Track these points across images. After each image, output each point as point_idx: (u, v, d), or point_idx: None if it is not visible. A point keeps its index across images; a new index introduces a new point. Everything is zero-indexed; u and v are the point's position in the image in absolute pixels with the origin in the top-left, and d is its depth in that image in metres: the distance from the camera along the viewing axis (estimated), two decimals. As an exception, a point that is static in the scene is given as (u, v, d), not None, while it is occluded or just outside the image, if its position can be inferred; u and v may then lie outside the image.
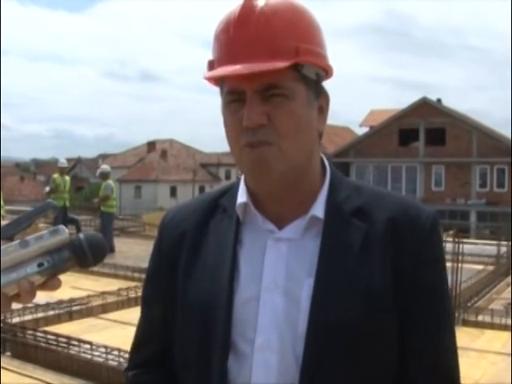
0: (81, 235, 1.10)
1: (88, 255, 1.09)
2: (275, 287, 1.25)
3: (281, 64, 1.16)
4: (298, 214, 1.29)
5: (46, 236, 1.07)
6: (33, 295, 1.08)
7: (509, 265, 13.02)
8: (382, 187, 1.43)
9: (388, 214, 1.28)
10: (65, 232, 1.08)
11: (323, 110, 1.29)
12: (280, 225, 1.29)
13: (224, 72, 1.20)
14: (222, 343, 1.25)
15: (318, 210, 1.28)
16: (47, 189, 16.54)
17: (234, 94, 1.23)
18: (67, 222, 15.30)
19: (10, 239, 1.07)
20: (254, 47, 1.19)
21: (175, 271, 1.34)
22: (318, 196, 1.30)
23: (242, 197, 1.32)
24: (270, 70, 1.16)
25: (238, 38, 1.21)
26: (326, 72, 1.30)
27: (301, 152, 1.24)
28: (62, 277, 1.10)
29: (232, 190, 1.36)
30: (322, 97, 1.28)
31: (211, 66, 1.25)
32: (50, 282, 1.09)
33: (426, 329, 1.27)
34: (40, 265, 1.06)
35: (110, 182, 14.67)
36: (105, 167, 15.20)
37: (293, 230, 1.28)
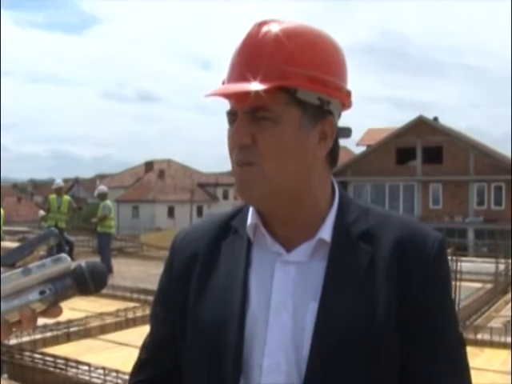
0: (82, 263, 1.11)
1: (89, 283, 1.10)
2: (283, 309, 1.26)
3: (257, 86, 1.18)
4: (306, 237, 1.29)
5: (48, 264, 1.08)
6: (34, 322, 1.09)
7: (507, 283, 13.01)
8: (391, 210, 1.43)
9: (395, 237, 1.28)
10: (67, 260, 1.10)
11: (326, 135, 1.27)
12: (288, 246, 1.30)
13: (212, 91, 1.23)
14: (234, 365, 1.25)
15: (326, 233, 1.28)
16: (41, 212, 16.53)
17: (232, 115, 1.25)
18: (64, 243, 15.28)
19: (12, 266, 1.08)
20: (248, 71, 1.21)
21: (186, 292, 1.35)
22: (326, 219, 1.30)
23: (252, 218, 1.33)
24: (243, 91, 1.19)
25: (237, 61, 1.24)
26: (342, 100, 1.29)
27: (285, 175, 1.24)
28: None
29: (243, 212, 1.37)
30: (325, 122, 1.26)
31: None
32: (52, 310, 1.10)
33: (428, 352, 1.26)
34: (42, 292, 1.07)
35: (108, 202, 14.62)
36: (102, 188, 15.19)
37: (301, 252, 1.29)
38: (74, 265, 1.10)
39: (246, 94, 1.19)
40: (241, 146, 1.23)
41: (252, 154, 1.22)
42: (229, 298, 1.28)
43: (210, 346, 1.28)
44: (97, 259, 10.31)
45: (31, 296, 1.07)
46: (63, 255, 1.10)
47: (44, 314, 1.09)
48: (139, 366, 1.46)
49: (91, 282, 1.10)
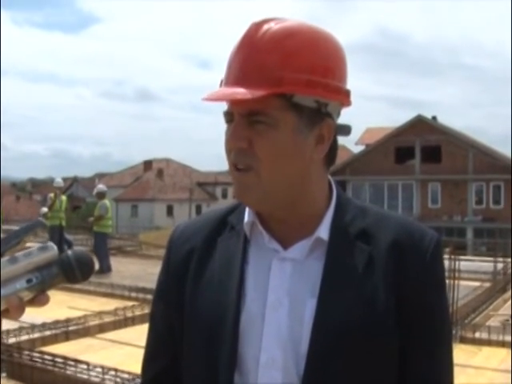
0: (69, 252, 1.12)
1: (76, 271, 1.10)
2: (279, 306, 1.26)
3: (256, 93, 1.17)
4: (303, 235, 1.30)
5: (34, 252, 1.09)
6: (22, 311, 1.09)
7: (505, 281, 13.02)
8: (386, 209, 1.43)
9: (392, 236, 1.29)
10: (53, 248, 1.10)
11: (323, 138, 1.26)
12: (286, 244, 1.30)
13: (207, 95, 1.22)
14: (228, 360, 1.26)
15: (323, 231, 1.29)
16: (44, 209, 16.51)
17: (228, 115, 1.26)
18: (63, 242, 15.30)
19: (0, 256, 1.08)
20: (244, 73, 1.21)
21: (183, 287, 1.35)
22: (324, 218, 1.31)
23: (249, 215, 1.33)
24: (238, 98, 1.19)
25: (234, 62, 1.24)
26: (340, 100, 1.28)
27: (282, 179, 1.24)
28: (59, 297, 1.13)
29: (241, 208, 1.37)
30: (323, 125, 1.26)
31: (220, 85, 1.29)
32: (39, 298, 1.10)
33: (425, 349, 1.28)
34: (29, 281, 1.08)
35: (106, 201, 14.60)
36: (101, 187, 15.15)
37: (298, 250, 1.29)
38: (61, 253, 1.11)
39: (241, 100, 1.19)
40: (237, 149, 1.23)
41: (248, 157, 1.22)
42: (224, 294, 1.29)
43: (206, 341, 1.29)
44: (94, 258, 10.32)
45: (18, 284, 1.07)
46: (50, 244, 1.10)
47: (31, 302, 1.10)
48: (147, 360, 1.47)
49: (78, 270, 1.10)
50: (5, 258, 1.08)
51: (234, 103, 1.23)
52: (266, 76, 1.19)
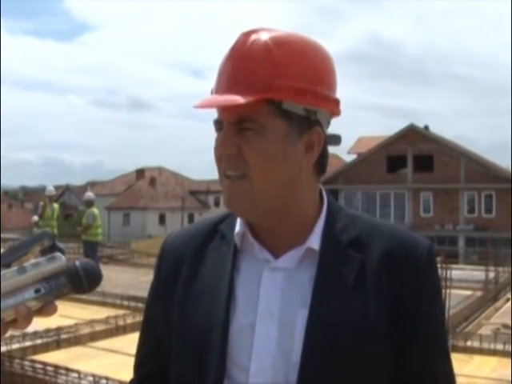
0: (77, 262, 1.12)
1: (84, 282, 1.11)
2: (270, 316, 1.26)
3: (247, 98, 1.18)
4: (294, 244, 1.30)
5: (43, 262, 1.09)
6: (29, 321, 1.09)
7: (497, 290, 13.06)
8: (378, 218, 1.44)
9: (384, 245, 1.29)
10: (61, 259, 1.10)
11: (313, 145, 1.26)
12: (276, 254, 1.30)
13: (198, 103, 1.23)
14: (216, 370, 1.25)
15: (314, 241, 1.29)
16: (35, 218, 16.44)
17: (218, 124, 1.26)
18: (55, 250, 15.20)
19: (8, 266, 1.09)
20: (234, 81, 1.22)
21: (173, 296, 1.35)
22: (315, 227, 1.30)
23: (240, 225, 1.33)
24: (227, 105, 1.20)
25: (224, 71, 1.25)
26: (330, 109, 1.29)
27: (273, 185, 1.24)
28: (50, 304, 1.12)
29: (232, 217, 1.37)
30: (312, 132, 1.26)
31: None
32: (47, 308, 1.10)
33: (422, 359, 1.28)
34: (37, 291, 1.08)
35: (93, 210, 14.36)
36: (89, 195, 14.99)
37: (288, 259, 1.29)
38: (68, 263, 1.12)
39: (231, 107, 1.20)
40: (226, 156, 1.24)
41: (239, 163, 1.23)
42: (214, 304, 1.29)
43: (195, 351, 1.28)
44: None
45: (26, 294, 1.07)
46: (58, 254, 1.11)
47: (39, 312, 1.10)
48: (135, 367, 1.47)
49: (85, 281, 1.10)
50: (13, 268, 1.08)
51: (225, 110, 1.23)
52: (256, 83, 1.20)
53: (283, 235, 1.30)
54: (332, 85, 1.29)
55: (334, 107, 1.29)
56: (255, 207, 1.24)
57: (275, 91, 1.20)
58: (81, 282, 1.10)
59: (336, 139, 1.38)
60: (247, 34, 1.24)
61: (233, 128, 1.23)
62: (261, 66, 1.21)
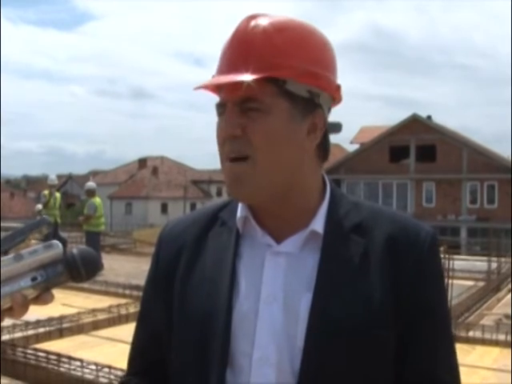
0: (74, 250, 1.11)
1: (81, 270, 1.10)
2: (273, 301, 1.25)
3: (246, 77, 1.19)
4: (297, 229, 1.29)
5: (40, 250, 1.08)
6: (26, 309, 1.09)
7: (499, 280, 13.06)
8: (379, 204, 1.44)
9: (387, 231, 1.29)
10: (59, 247, 1.10)
11: (316, 126, 1.27)
12: (279, 238, 1.30)
13: (202, 84, 1.24)
14: (220, 357, 1.25)
15: (318, 224, 1.29)
16: (39, 206, 16.43)
17: (221, 107, 1.26)
18: (57, 239, 15.21)
19: (5, 253, 1.08)
20: (237, 62, 1.22)
21: (172, 283, 1.35)
22: (318, 211, 1.31)
23: (242, 210, 1.33)
24: (233, 82, 1.20)
25: (227, 53, 1.26)
26: (331, 93, 1.30)
27: (278, 167, 1.24)
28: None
29: (232, 204, 1.37)
30: (315, 115, 1.27)
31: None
32: (43, 296, 1.10)
33: (426, 345, 1.28)
34: (34, 279, 1.07)
35: (95, 199, 14.30)
36: (90, 184, 14.91)
37: (291, 244, 1.29)
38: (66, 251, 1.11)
39: (236, 85, 1.20)
40: (231, 137, 1.23)
41: (243, 145, 1.23)
42: (216, 290, 1.28)
43: (197, 338, 1.28)
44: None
45: (23, 282, 1.07)
46: (55, 241, 1.10)
47: (36, 300, 1.10)
48: (131, 359, 1.47)
49: (83, 269, 1.10)
50: (10, 256, 1.07)
51: (229, 89, 1.23)
52: (260, 63, 1.21)
53: (286, 219, 1.30)
54: (333, 70, 1.30)
55: (335, 92, 1.31)
56: (259, 190, 1.24)
57: (281, 69, 1.21)
58: (78, 270, 1.10)
59: (337, 127, 1.39)
60: (250, 19, 1.25)
61: (237, 109, 1.23)
62: (264, 48, 1.22)
